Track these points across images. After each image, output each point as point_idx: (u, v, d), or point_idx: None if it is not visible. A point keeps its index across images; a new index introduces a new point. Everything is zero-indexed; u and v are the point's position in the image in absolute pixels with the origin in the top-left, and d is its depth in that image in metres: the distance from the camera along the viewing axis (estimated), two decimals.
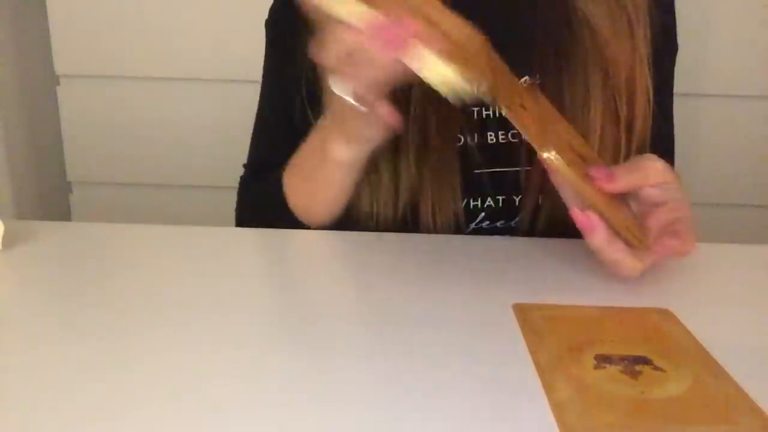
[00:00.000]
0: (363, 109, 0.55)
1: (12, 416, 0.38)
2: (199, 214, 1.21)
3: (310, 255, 0.63)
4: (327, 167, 0.64)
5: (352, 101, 0.54)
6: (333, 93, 0.56)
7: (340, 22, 0.50)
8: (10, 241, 0.59)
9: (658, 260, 0.54)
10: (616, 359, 0.44)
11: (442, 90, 0.49)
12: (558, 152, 0.51)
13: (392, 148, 0.66)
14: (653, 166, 0.55)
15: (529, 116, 0.53)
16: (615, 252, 0.52)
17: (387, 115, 0.56)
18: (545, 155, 0.51)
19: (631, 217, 0.54)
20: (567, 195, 0.56)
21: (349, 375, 0.42)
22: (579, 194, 0.53)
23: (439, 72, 0.48)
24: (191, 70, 1.19)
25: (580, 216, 0.52)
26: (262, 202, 0.75)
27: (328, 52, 0.51)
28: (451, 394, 0.40)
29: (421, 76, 0.49)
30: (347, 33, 0.49)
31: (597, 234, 0.52)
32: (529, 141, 0.51)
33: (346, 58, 0.51)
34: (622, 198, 0.55)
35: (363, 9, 0.48)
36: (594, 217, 0.52)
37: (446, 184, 0.67)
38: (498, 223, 0.70)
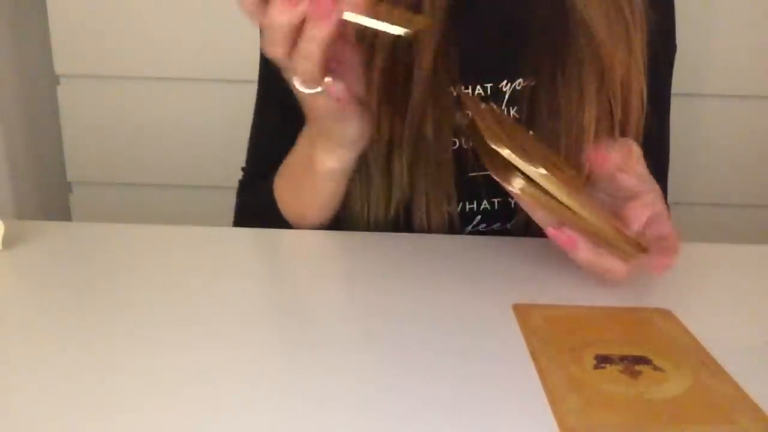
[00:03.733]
0: (316, 90, 0.55)
1: (12, 416, 0.38)
2: (199, 214, 1.21)
3: (311, 255, 0.63)
4: (315, 175, 0.64)
5: (309, 89, 0.55)
6: (301, 95, 0.57)
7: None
8: (10, 241, 0.59)
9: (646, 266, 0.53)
10: (616, 359, 0.44)
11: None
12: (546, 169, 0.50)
13: (386, 151, 0.66)
14: (635, 148, 0.54)
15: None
16: (601, 261, 0.52)
17: (337, 90, 0.56)
18: (540, 171, 0.49)
19: (615, 226, 0.53)
20: (539, 217, 0.53)
21: (347, 375, 0.42)
22: (561, 214, 0.51)
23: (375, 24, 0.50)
24: (191, 70, 1.19)
25: (558, 235, 0.51)
26: (256, 211, 0.75)
27: (273, 43, 0.52)
28: (451, 395, 0.40)
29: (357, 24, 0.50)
30: (281, 12, 0.50)
31: (580, 248, 0.51)
32: (515, 164, 0.49)
33: (289, 42, 0.51)
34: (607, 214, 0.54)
35: None
36: (572, 233, 0.51)
37: (440, 186, 0.66)
38: (494, 226, 0.70)
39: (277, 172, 0.70)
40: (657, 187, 0.55)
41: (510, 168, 0.49)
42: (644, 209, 0.53)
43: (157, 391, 0.40)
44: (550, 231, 0.52)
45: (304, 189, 0.67)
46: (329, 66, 0.54)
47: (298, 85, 0.56)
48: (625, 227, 0.52)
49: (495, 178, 0.51)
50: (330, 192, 0.65)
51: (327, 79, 0.55)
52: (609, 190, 0.55)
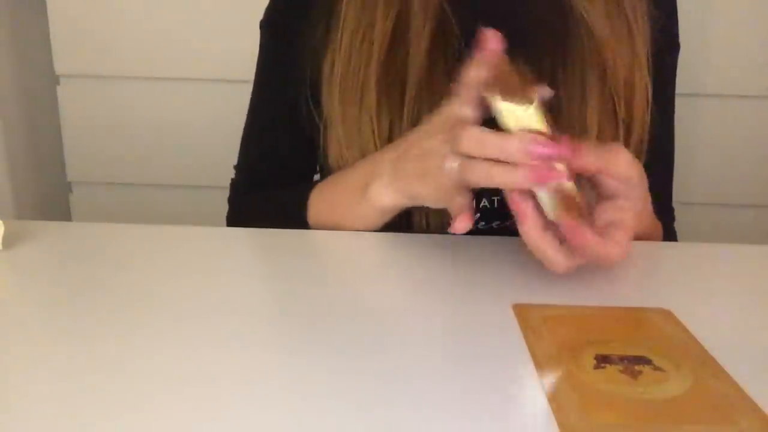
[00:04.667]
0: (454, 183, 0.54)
1: (12, 416, 0.38)
2: (199, 214, 1.21)
3: (311, 255, 0.62)
4: (363, 205, 0.63)
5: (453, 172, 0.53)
6: (420, 153, 0.57)
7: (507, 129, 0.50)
8: (10, 241, 0.59)
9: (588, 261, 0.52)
10: (616, 359, 0.44)
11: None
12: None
13: (385, 146, 0.66)
14: (622, 155, 0.53)
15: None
16: (543, 245, 0.51)
17: (463, 213, 0.55)
18: (528, 107, 0.49)
19: (583, 202, 0.52)
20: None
21: (347, 374, 0.42)
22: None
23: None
24: (191, 70, 1.19)
25: (517, 201, 0.51)
26: (267, 212, 0.74)
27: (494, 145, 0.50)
28: (450, 394, 0.40)
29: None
30: (521, 144, 0.49)
31: (528, 223, 0.51)
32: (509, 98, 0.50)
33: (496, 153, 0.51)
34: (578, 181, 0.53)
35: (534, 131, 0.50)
36: (529, 207, 0.50)
37: None
38: (494, 224, 0.70)
39: (321, 184, 0.69)
40: (642, 194, 0.54)
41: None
42: (614, 213, 0.52)
43: (157, 391, 0.40)
44: (512, 195, 0.51)
45: (343, 212, 0.65)
46: None
47: (451, 174, 0.54)
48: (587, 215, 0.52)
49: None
50: (369, 223, 0.64)
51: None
52: (594, 185, 0.54)
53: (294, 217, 0.68)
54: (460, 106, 0.55)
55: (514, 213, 0.51)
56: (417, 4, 0.67)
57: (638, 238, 0.54)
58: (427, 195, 0.58)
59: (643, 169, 0.54)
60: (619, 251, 0.51)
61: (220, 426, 0.37)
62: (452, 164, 0.53)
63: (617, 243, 0.51)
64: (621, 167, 0.52)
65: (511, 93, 0.51)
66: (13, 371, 0.42)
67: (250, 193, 0.79)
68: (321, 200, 0.68)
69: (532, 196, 0.51)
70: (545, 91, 0.52)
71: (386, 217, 0.64)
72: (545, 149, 0.49)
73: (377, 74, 0.66)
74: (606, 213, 0.52)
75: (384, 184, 0.61)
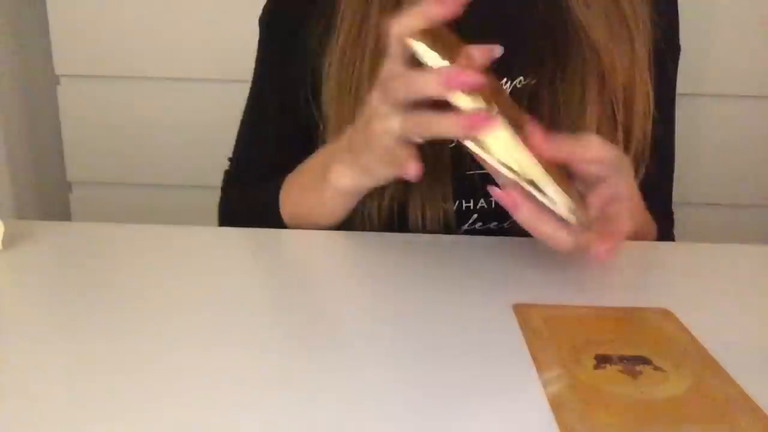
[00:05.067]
0: (395, 147, 0.54)
1: (12, 416, 0.38)
2: (199, 214, 1.21)
3: (310, 255, 0.62)
4: (326, 189, 0.63)
5: (394, 136, 0.53)
6: (364, 122, 0.56)
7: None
8: (10, 241, 0.59)
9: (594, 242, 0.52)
10: (616, 359, 0.44)
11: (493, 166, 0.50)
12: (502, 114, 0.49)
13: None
14: (594, 140, 0.53)
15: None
16: (544, 225, 0.50)
17: (410, 161, 0.54)
18: (493, 112, 0.49)
19: (575, 195, 0.52)
20: (491, 171, 0.52)
21: (346, 374, 0.42)
22: (519, 165, 0.50)
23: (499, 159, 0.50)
24: (191, 70, 1.19)
25: (501, 194, 0.50)
26: (251, 207, 0.75)
27: (413, 83, 0.50)
28: (450, 394, 0.40)
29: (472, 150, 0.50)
30: (437, 82, 0.49)
31: (522, 209, 0.50)
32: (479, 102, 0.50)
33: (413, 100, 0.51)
34: (569, 178, 0.53)
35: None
36: (515, 194, 0.50)
37: (436, 184, 0.66)
38: (491, 225, 0.70)
39: (290, 175, 0.69)
40: (626, 171, 0.54)
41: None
42: (607, 189, 0.52)
43: (156, 390, 0.40)
44: (493, 189, 0.50)
45: (309, 199, 0.66)
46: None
47: (392, 131, 0.53)
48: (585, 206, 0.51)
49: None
50: (335, 208, 0.64)
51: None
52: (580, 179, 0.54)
53: (269, 208, 0.69)
54: (392, 62, 0.54)
55: (504, 206, 0.51)
56: (414, 2, 0.67)
57: (631, 237, 0.53)
58: (377, 163, 0.57)
59: (621, 153, 0.54)
60: (563, 234, 0.50)
61: (218, 424, 0.37)
62: (392, 123, 0.53)
63: (613, 235, 0.51)
64: (592, 150, 0.52)
65: (440, 45, 0.50)
66: (13, 371, 0.42)
67: (239, 185, 0.79)
68: (289, 189, 0.69)
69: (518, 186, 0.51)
70: (495, 50, 0.52)
71: (349, 201, 0.64)
72: (467, 77, 0.49)
73: (372, 68, 0.66)
74: (597, 197, 0.52)
75: (343, 165, 0.61)
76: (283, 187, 0.69)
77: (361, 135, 0.57)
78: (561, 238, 0.50)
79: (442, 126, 0.51)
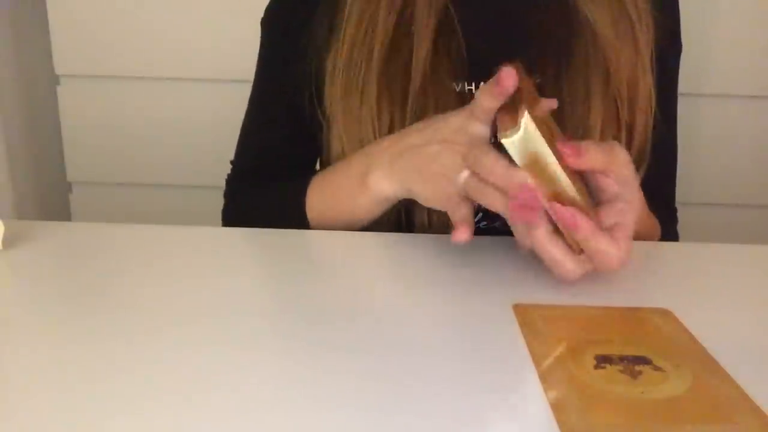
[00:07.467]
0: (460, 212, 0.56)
1: (12, 416, 0.38)
2: (199, 214, 1.21)
3: (312, 255, 0.63)
4: (363, 193, 0.63)
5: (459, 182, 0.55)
6: (426, 152, 0.58)
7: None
8: (10, 241, 0.59)
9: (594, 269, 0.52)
10: (616, 359, 0.44)
11: None
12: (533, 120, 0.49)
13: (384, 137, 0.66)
14: (621, 153, 0.53)
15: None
16: (554, 248, 0.51)
17: (464, 226, 0.56)
18: (521, 119, 0.49)
19: (591, 206, 0.52)
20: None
21: (347, 375, 0.42)
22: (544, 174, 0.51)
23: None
24: (191, 70, 1.19)
25: (520, 209, 0.51)
26: (267, 206, 0.74)
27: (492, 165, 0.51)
28: (450, 394, 0.40)
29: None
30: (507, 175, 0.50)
31: (540, 228, 0.50)
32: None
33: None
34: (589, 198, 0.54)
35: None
36: (535, 212, 0.50)
37: None
38: (496, 224, 0.70)
39: (318, 176, 0.69)
40: (638, 195, 0.54)
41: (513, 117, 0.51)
42: (614, 217, 0.52)
43: (157, 391, 0.40)
44: (512, 205, 0.51)
45: (341, 202, 0.66)
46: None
47: (453, 183, 0.55)
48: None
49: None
50: (368, 213, 0.65)
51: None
52: (591, 187, 0.54)
53: (292, 207, 0.69)
54: (474, 123, 0.56)
55: (523, 219, 0.51)
56: (421, 1, 0.67)
57: (636, 237, 0.54)
58: (425, 196, 0.59)
59: (634, 171, 0.54)
60: (616, 251, 0.50)
61: (219, 426, 0.37)
62: (462, 177, 0.55)
63: (616, 242, 0.51)
64: (621, 167, 0.52)
65: (529, 104, 0.51)
66: (13, 371, 0.42)
67: (247, 187, 0.79)
68: (320, 190, 0.68)
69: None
70: (552, 103, 0.56)
71: (384, 207, 0.64)
72: (529, 198, 0.50)
73: (379, 67, 0.66)
74: (608, 217, 0.52)
75: (383, 174, 0.62)
76: (312, 186, 0.69)
77: (417, 164, 0.59)
78: (567, 266, 0.51)
79: (497, 204, 0.52)
